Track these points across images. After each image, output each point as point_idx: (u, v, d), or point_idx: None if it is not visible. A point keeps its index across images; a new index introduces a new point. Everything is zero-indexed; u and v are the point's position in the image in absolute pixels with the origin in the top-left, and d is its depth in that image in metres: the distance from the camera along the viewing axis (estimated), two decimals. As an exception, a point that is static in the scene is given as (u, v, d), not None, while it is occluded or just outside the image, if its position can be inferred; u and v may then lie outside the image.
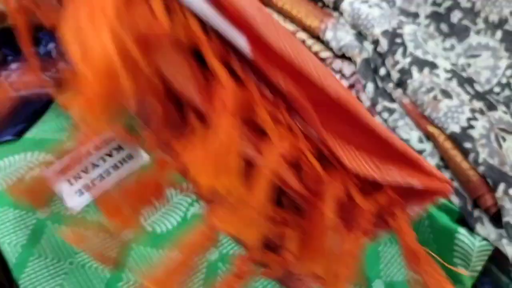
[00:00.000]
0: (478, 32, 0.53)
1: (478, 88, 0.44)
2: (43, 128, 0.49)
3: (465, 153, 0.40)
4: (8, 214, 0.42)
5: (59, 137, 0.49)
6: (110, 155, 0.47)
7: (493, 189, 0.38)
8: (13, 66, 0.52)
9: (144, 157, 0.47)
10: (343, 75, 0.49)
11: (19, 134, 0.48)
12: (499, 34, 0.52)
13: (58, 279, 0.40)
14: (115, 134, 0.48)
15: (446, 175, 0.41)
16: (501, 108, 0.44)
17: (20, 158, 0.46)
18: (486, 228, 0.39)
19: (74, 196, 0.44)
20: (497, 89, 0.51)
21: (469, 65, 0.52)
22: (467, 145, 0.40)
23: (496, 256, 0.41)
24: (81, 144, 0.48)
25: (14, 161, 0.46)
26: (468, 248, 0.38)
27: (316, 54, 0.50)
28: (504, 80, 0.51)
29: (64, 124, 0.50)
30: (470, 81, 0.44)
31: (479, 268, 0.39)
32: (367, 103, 0.46)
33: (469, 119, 0.41)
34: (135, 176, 0.46)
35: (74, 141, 0.48)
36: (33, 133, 0.49)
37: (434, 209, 0.41)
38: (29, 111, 0.50)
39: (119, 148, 0.48)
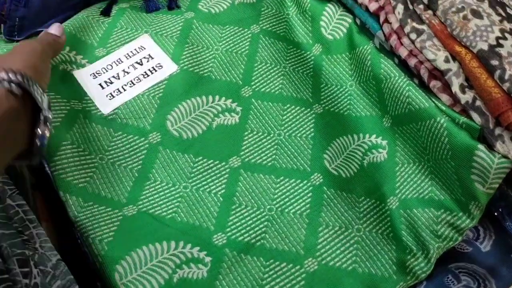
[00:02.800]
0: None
1: (510, 11, 0.44)
2: (75, 24, 0.50)
3: (491, 70, 0.40)
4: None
5: (91, 41, 0.50)
6: (140, 63, 0.49)
7: (516, 106, 0.38)
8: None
9: (173, 66, 0.49)
10: (373, -3, 0.48)
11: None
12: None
13: (88, 170, 0.42)
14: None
15: (470, 94, 0.41)
16: (533, 32, 0.43)
17: None
18: (506, 146, 0.39)
19: (104, 99, 0.46)
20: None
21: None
22: (494, 62, 0.40)
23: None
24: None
25: None
26: (486, 165, 0.39)
27: (347, -24, 0.50)
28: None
29: (95, 26, 0.51)
30: (502, 5, 0.44)
31: (496, 185, 0.40)
32: (396, 24, 0.46)
33: (498, 38, 0.41)
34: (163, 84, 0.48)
35: (106, 46, 0.50)
36: (66, 26, 0.50)
37: (454, 126, 0.41)
38: (61, 10, 0.51)
39: (150, 57, 0.49)
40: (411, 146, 0.45)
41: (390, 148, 0.45)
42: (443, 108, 0.42)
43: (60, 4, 0.52)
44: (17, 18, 0.49)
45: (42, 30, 0.49)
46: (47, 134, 0.35)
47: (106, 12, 0.52)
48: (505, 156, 0.39)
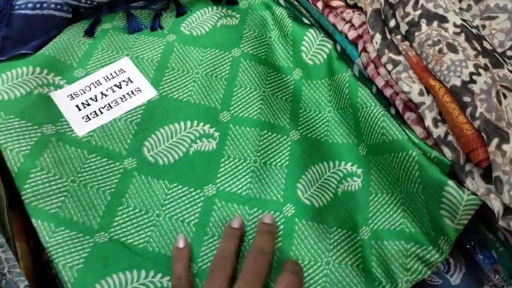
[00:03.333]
0: (497, -6, 0.52)
1: (486, 45, 0.44)
2: (56, 47, 0.50)
3: (463, 106, 0.40)
4: (13, 123, 0.44)
5: (71, 61, 0.50)
6: (119, 86, 0.49)
7: (486, 144, 0.38)
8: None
9: (152, 92, 0.49)
10: (352, 25, 0.49)
11: (35, 50, 0.50)
12: (518, -5, 0.50)
13: (60, 195, 0.42)
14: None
15: (443, 129, 0.41)
16: (508, 67, 0.44)
17: (29, 71, 0.48)
18: (476, 183, 0.39)
19: (80, 121, 0.46)
20: (510, 53, 0.50)
21: (484, 26, 0.52)
22: (466, 99, 0.40)
23: (484, 213, 0.42)
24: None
25: (22, 72, 0.47)
26: (455, 201, 0.39)
27: (327, 2, 0.50)
28: (518, 44, 0.50)
29: (76, 47, 0.51)
30: (479, 38, 0.44)
31: (465, 221, 0.40)
32: (373, 54, 0.46)
33: (471, 74, 0.41)
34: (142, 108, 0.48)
35: (85, 68, 0.50)
36: (46, 49, 0.50)
37: (425, 161, 0.41)
38: (45, 30, 0.51)
39: (129, 81, 0.49)
40: (384, 176, 0.45)
41: (364, 177, 0.46)
42: (416, 141, 0.42)
43: (44, 23, 0.52)
44: (-1, 38, 0.50)
45: (27, 53, 0.50)
46: None
47: (89, 33, 0.52)
48: (474, 193, 0.39)
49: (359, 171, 0.46)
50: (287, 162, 0.47)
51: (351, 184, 0.46)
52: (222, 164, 0.46)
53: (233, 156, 0.47)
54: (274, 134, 0.49)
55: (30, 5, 0.52)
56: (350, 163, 0.47)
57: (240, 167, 0.46)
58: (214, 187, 0.45)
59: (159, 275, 0.40)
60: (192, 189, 0.45)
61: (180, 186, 0.45)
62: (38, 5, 0.52)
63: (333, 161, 0.47)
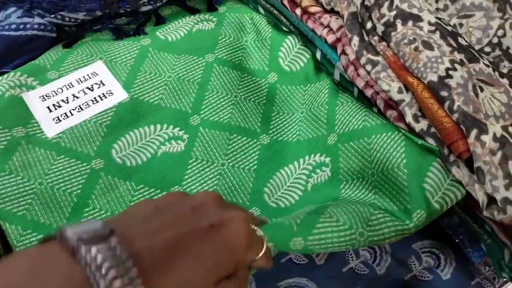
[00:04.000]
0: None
1: (462, 41, 0.44)
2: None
3: (441, 101, 0.39)
4: None
5: (44, 63, 0.50)
6: (91, 89, 0.48)
7: (466, 135, 0.37)
8: (11, 9, 0.53)
9: (123, 94, 0.48)
10: (330, 29, 0.48)
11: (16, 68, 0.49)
12: (493, -7, 0.51)
13: (27, 198, 0.40)
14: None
15: (424, 123, 0.41)
16: (484, 61, 0.43)
17: (3, 78, 0.47)
18: (461, 171, 0.38)
19: (51, 123, 0.45)
20: (487, 49, 0.50)
21: (461, 25, 0.52)
22: (444, 93, 0.39)
23: (471, 206, 0.40)
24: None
25: None
26: (441, 177, 0.38)
27: (305, 8, 0.50)
28: (495, 40, 0.50)
29: (52, 53, 0.50)
30: (454, 35, 0.44)
31: (443, 203, 0.38)
32: (352, 56, 0.46)
33: (448, 69, 0.41)
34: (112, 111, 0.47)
35: (59, 70, 0.49)
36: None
37: (414, 137, 0.40)
38: (29, 50, 0.50)
39: (101, 84, 0.48)
40: (354, 162, 0.43)
41: (333, 166, 0.44)
42: (402, 131, 0.42)
43: (28, 44, 0.51)
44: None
45: (5, 71, 0.49)
46: None
47: (68, 45, 0.52)
48: (459, 182, 0.38)
49: (327, 160, 0.44)
50: (255, 166, 0.46)
51: (320, 175, 0.44)
52: (190, 166, 0.45)
53: (201, 158, 0.45)
54: (244, 138, 0.47)
55: (13, 26, 0.51)
56: (318, 154, 0.45)
57: (208, 169, 0.45)
58: (180, 188, 0.43)
59: None
60: (159, 191, 0.43)
61: (146, 188, 0.43)
62: (21, 26, 0.51)
63: (303, 157, 0.46)
